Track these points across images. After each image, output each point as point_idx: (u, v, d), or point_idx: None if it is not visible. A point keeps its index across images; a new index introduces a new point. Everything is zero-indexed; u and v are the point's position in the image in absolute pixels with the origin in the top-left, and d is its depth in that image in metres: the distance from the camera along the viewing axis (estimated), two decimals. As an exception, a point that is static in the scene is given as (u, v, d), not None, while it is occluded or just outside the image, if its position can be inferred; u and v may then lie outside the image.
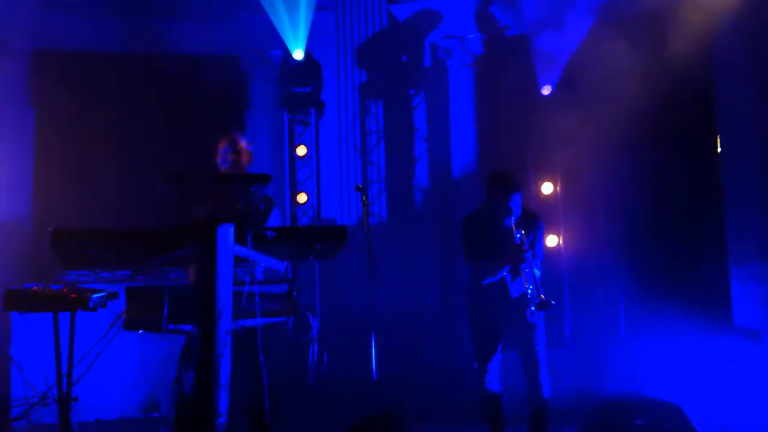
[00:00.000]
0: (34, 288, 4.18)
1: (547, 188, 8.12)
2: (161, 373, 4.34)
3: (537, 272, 4.79)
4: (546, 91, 7.92)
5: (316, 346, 3.67)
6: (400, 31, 8.74)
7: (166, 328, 3.30)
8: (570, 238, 7.99)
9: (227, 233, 3.15)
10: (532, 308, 4.71)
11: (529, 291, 4.72)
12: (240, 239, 3.19)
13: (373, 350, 5.57)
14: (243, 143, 4.70)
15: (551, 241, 7.80)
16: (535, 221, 4.98)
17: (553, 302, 4.67)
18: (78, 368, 4.10)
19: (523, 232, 4.79)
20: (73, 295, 4.15)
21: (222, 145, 4.68)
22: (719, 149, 7.55)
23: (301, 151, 8.62)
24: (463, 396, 6.30)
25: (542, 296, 4.65)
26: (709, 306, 7.12)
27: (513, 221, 4.79)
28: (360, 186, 6.22)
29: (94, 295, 4.18)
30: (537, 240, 4.94)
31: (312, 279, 8.27)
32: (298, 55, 8.31)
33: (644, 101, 6.86)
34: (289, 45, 8.27)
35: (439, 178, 8.59)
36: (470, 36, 8.37)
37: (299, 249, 3.58)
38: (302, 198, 8.54)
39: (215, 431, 3.12)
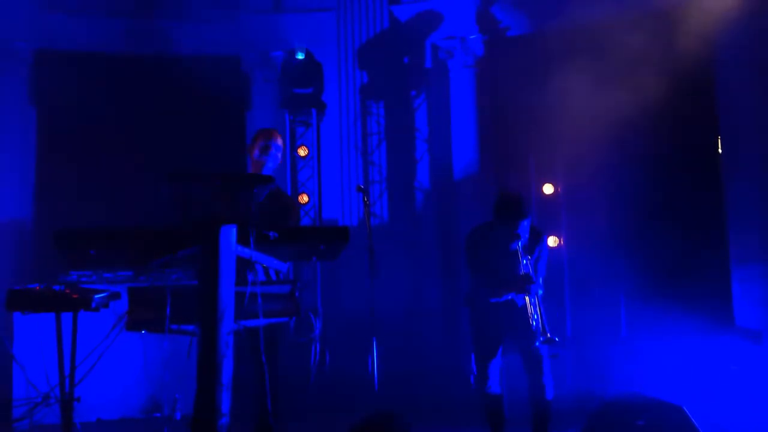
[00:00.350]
0: (37, 288, 4.18)
1: (548, 188, 8.13)
2: (163, 373, 4.33)
3: (540, 291, 4.79)
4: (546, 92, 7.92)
5: (318, 346, 3.67)
6: (402, 32, 8.75)
7: (168, 328, 3.30)
8: (571, 239, 7.99)
9: (230, 234, 3.15)
10: (537, 344, 4.71)
11: (534, 323, 4.70)
12: (243, 239, 3.19)
13: (375, 350, 5.56)
14: (280, 139, 4.80)
15: (552, 241, 7.80)
16: (540, 238, 4.95)
17: (556, 338, 4.68)
18: (80, 368, 4.10)
19: (529, 257, 4.78)
20: (75, 296, 4.15)
21: (260, 140, 4.74)
22: (720, 149, 7.55)
23: (303, 151, 8.64)
24: (464, 396, 6.31)
25: (548, 334, 4.65)
26: (710, 306, 7.11)
27: (520, 246, 4.76)
28: (361, 187, 6.22)
29: (97, 296, 4.18)
30: (541, 257, 4.94)
31: (314, 279, 8.28)
32: (300, 55, 8.32)
33: (646, 101, 6.85)
34: (291, 46, 8.28)
35: (441, 179, 8.59)
36: (471, 37, 8.37)
37: (302, 249, 3.56)
38: (304, 199, 8.56)
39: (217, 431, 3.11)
